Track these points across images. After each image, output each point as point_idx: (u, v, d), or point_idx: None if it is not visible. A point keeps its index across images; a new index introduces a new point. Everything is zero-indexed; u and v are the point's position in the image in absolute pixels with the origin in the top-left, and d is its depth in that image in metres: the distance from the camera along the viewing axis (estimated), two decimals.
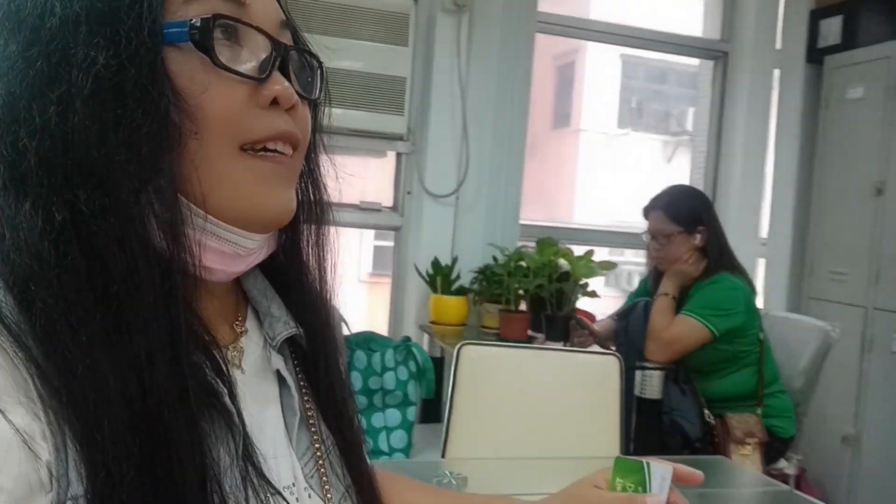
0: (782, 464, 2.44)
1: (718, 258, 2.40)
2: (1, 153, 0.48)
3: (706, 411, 2.35)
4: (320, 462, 0.60)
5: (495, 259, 2.62)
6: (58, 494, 0.42)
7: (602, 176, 6.64)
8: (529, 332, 2.49)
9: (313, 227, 0.63)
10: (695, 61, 3.54)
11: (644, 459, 0.72)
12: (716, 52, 3.34)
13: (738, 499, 1.35)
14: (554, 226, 3.40)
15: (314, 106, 0.61)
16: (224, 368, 0.52)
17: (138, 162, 0.48)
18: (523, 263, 2.49)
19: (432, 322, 2.66)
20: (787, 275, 3.31)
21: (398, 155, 2.88)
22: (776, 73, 3.28)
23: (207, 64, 0.50)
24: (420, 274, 2.68)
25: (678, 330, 2.31)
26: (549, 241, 2.57)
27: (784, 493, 1.35)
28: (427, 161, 2.76)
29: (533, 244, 2.63)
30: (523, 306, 2.56)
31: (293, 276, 0.63)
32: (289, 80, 0.54)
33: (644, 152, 6.54)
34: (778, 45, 3.26)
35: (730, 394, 2.39)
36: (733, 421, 2.31)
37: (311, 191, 0.63)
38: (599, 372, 1.33)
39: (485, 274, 2.62)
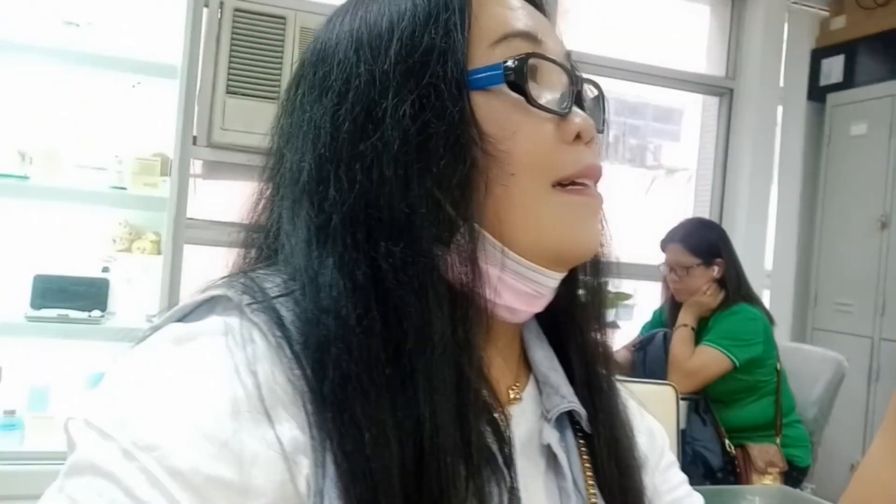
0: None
1: (737, 289, 2.44)
2: (309, 213, 0.49)
3: (727, 441, 2.38)
4: None
5: None
6: None
7: None
8: None
9: (591, 272, 0.59)
10: (673, 98, 3.60)
11: None
12: (721, 89, 3.43)
13: None
14: None
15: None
16: (504, 433, 0.50)
17: (442, 212, 0.48)
18: None
19: None
20: (792, 306, 3.37)
21: None
22: (779, 109, 3.37)
23: (518, 104, 0.50)
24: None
25: (700, 360, 2.34)
26: None
27: None
28: None
29: None
30: None
31: (572, 332, 0.59)
32: (583, 110, 0.53)
33: (623, 185, 6.64)
34: (781, 83, 3.36)
35: (749, 423, 2.41)
36: (754, 451, 2.34)
37: None
38: (657, 401, 1.35)
39: None
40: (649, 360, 2.51)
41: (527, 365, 0.59)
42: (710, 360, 2.34)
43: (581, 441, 0.57)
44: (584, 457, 0.57)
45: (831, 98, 3.29)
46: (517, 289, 0.52)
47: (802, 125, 3.36)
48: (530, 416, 0.56)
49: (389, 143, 0.48)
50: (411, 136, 0.48)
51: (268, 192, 0.55)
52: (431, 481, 0.44)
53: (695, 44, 3.47)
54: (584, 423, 0.57)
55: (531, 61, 0.50)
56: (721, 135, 3.45)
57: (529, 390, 0.57)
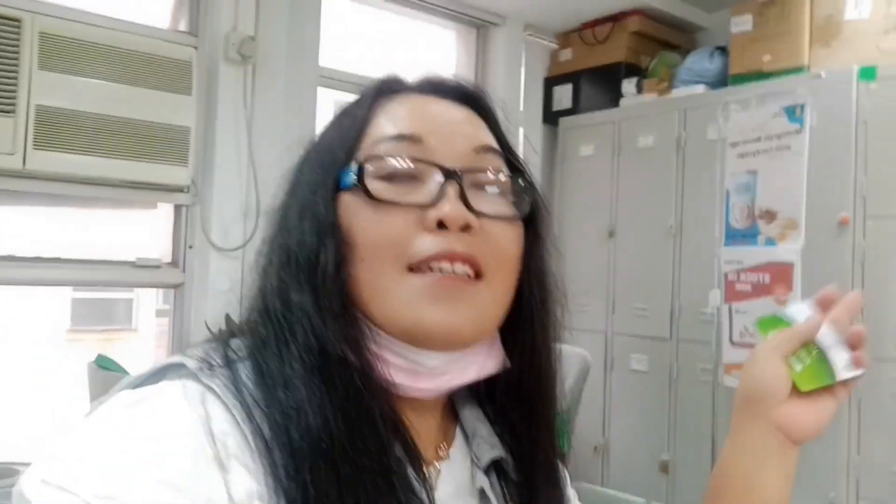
0: None
1: None
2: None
3: None
4: None
5: None
6: None
7: None
8: None
9: (535, 351, 0.64)
10: None
11: (777, 313, 0.71)
12: None
13: None
14: None
15: (534, 226, 0.64)
16: (431, 486, 0.55)
17: (320, 296, 0.55)
18: None
19: None
20: None
21: (177, 207, 2.71)
22: (521, 131, 3.70)
23: (369, 199, 0.57)
24: (212, 333, 2.55)
25: None
26: None
27: None
28: (212, 214, 2.65)
29: None
30: None
31: (518, 397, 0.65)
32: (466, 201, 0.56)
33: None
34: (521, 107, 3.70)
35: None
36: None
37: (533, 314, 0.64)
38: None
39: None
40: None
41: (456, 425, 0.66)
42: None
43: (503, 484, 0.63)
44: (509, 498, 0.63)
45: (563, 122, 3.68)
46: (397, 364, 0.56)
47: (540, 146, 3.73)
48: (460, 467, 0.63)
49: (285, 238, 0.58)
50: (294, 232, 0.58)
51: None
52: None
53: (446, 66, 3.67)
54: (511, 470, 0.64)
55: (379, 163, 0.58)
56: None
57: (458, 445, 0.64)
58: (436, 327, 0.55)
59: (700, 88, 3.14)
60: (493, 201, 0.59)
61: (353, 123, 0.61)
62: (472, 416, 0.65)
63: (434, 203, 0.56)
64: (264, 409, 0.51)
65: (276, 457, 0.49)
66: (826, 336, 0.67)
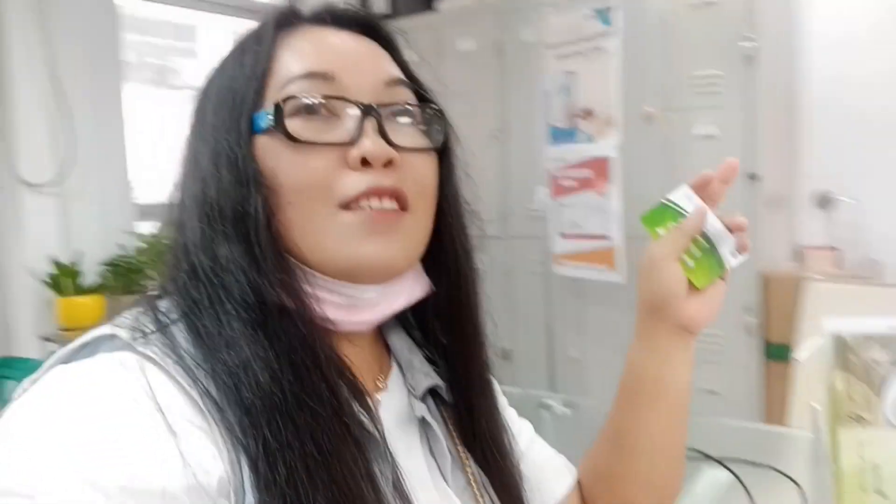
0: None
1: None
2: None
3: None
4: (479, 502, 0.64)
5: (125, 247, 2.44)
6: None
7: None
8: None
9: (460, 275, 0.67)
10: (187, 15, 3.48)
11: (662, 200, 0.71)
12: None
13: None
14: None
15: (447, 154, 0.65)
16: (377, 417, 0.57)
17: (250, 244, 0.54)
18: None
19: (65, 329, 2.37)
20: None
21: None
22: None
23: (289, 140, 0.56)
24: (45, 280, 2.35)
25: None
26: None
27: None
28: (17, 147, 2.38)
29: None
30: None
31: (447, 321, 0.67)
32: (386, 136, 0.57)
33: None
34: None
35: None
36: None
37: (454, 238, 0.66)
38: None
39: (118, 266, 2.42)
40: None
41: (389, 354, 0.67)
42: None
43: (440, 408, 0.67)
44: (447, 421, 0.67)
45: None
46: (333, 301, 0.57)
47: None
48: (398, 397, 0.64)
49: (203, 177, 0.56)
50: (212, 182, 0.55)
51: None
52: (332, 468, 0.51)
53: None
54: (445, 394, 0.66)
55: (295, 103, 0.57)
56: None
57: (394, 377, 0.66)
58: (372, 262, 0.56)
59: None
60: (409, 133, 0.60)
61: (256, 61, 0.59)
62: (403, 345, 0.67)
63: (354, 140, 0.56)
64: (208, 370, 0.50)
65: (230, 416, 0.49)
66: (710, 225, 0.69)
